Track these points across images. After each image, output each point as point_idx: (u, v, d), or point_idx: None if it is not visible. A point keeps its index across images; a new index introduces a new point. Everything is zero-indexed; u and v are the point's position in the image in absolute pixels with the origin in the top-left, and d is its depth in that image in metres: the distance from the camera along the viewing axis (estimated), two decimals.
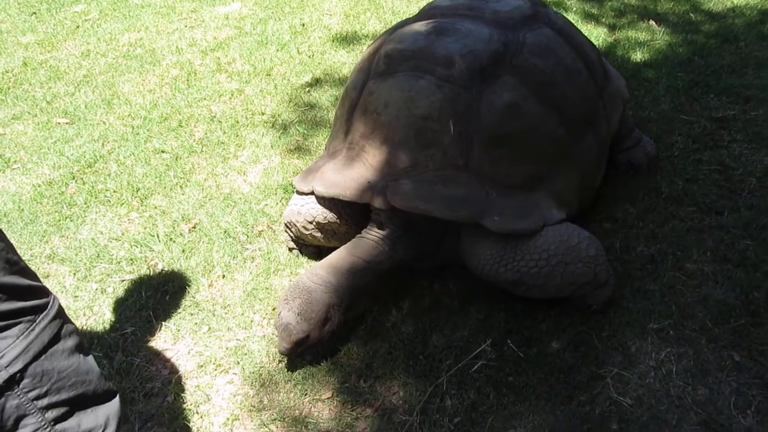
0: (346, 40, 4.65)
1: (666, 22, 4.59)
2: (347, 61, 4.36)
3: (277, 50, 4.60)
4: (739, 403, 2.13)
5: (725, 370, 2.24)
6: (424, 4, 5.08)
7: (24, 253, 3.00)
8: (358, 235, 2.49)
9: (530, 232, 2.30)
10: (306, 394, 2.28)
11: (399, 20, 4.86)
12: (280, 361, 2.40)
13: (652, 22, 4.60)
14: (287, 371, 2.36)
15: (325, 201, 2.54)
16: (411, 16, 4.80)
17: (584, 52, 2.79)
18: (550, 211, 2.39)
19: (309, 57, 4.47)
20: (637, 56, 4.18)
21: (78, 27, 5.24)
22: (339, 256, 2.42)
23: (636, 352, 2.32)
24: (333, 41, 4.65)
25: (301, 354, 2.37)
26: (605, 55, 4.09)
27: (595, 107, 2.74)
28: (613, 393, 2.18)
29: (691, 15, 4.67)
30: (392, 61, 2.49)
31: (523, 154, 2.40)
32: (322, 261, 2.44)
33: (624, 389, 2.20)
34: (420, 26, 2.61)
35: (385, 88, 2.44)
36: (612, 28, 4.59)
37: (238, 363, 2.40)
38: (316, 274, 2.35)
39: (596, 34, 4.46)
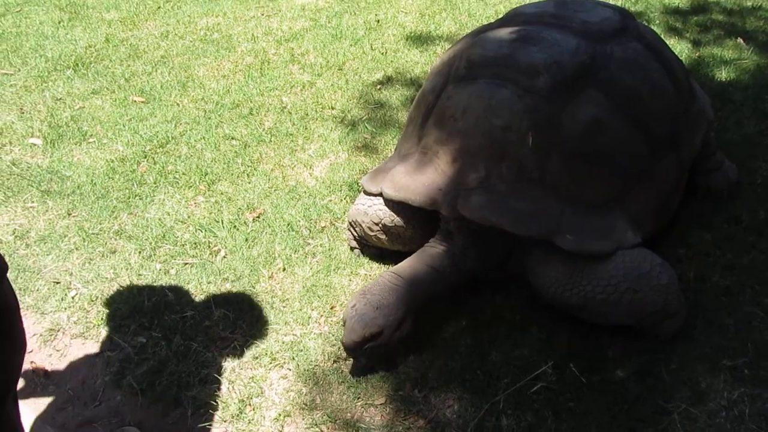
0: (420, 39, 4.60)
1: (755, 41, 4.38)
2: (420, 61, 4.32)
3: (351, 45, 4.58)
4: None
5: None
6: (501, 7, 5.01)
7: (93, 227, 3.08)
8: (426, 244, 2.45)
9: (604, 255, 2.21)
10: (359, 398, 2.26)
11: (475, 22, 4.80)
12: (335, 361, 2.38)
13: (740, 40, 4.40)
14: (341, 373, 2.34)
15: (393, 204, 2.50)
16: (487, 18, 4.76)
17: (672, 69, 2.67)
18: (625, 233, 2.29)
19: (382, 54, 4.44)
20: (722, 75, 4.00)
21: (159, 8, 5.34)
22: (413, 264, 2.39)
23: (706, 388, 2.21)
24: (407, 40, 4.61)
25: (361, 358, 2.33)
26: (689, 72, 3.93)
27: (679, 127, 2.62)
28: (680, 430, 2.09)
29: None
30: (473, 66, 2.44)
31: (602, 171, 2.32)
32: (397, 267, 2.41)
33: (692, 427, 2.10)
34: (504, 32, 2.54)
35: (465, 94, 2.38)
36: (696, 44, 4.40)
37: (293, 359, 2.40)
38: (396, 276, 2.32)
39: (680, 50, 4.29)
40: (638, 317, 2.24)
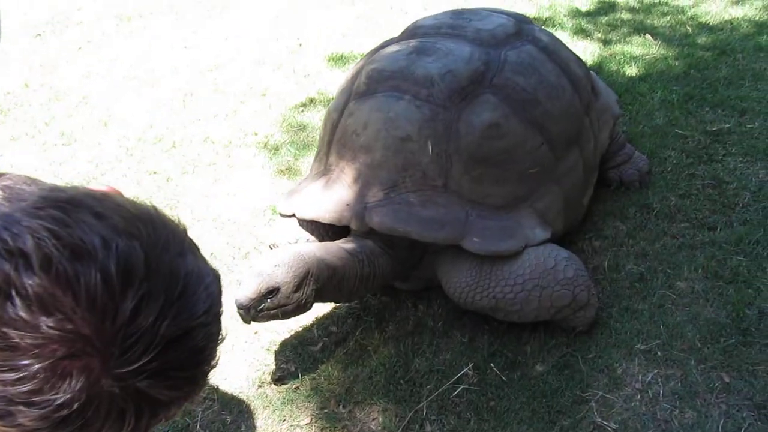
0: (342, 59, 4.66)
1: (661, 36, 4.56)
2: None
3: (274, 70, 4.61)
4: (728, 426, 2.08)
5: (714, 391, 2.18)
6: None
7: None
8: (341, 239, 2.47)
9: (512, 253, 2.26)
10: (284, 420, 2.25)
11: None
12: (259, 386, 2.37)
13: (647, 36, 4.57)
14: (266, 397, 2.33)
15: (307, 223, 2.53)
16: None
17: (569, 69, 2.76)
18: (533, 230, 2.35)
19: (304, 77, 4.47)
20: (632, 70, 4.14)
21: (80, 48, 5.28)
22: (325, 243, 2.38)
23: (622, 374, 2.27)
24: (329, 61, 4.66)
25: (256, 320, 2.17)
26: (599, 70, 4.06)
27: (580, 125, 2.70)
28: (597, 417, 2.13)
29: (687, 28, 4.63)
30: (372, 81, 2.48)
31: (504, 173, 2.38)
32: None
33: (608, 413, 2.15)
34: (401, 46, 2.60)
35: (365, 109, 2.43)
36: (606, 43, 4.56)
37: (217, 389, 2.38)
38: (305, 244, 2.29)
39: (591, 50, 4.44)
40: (550, 312, 2.29)
